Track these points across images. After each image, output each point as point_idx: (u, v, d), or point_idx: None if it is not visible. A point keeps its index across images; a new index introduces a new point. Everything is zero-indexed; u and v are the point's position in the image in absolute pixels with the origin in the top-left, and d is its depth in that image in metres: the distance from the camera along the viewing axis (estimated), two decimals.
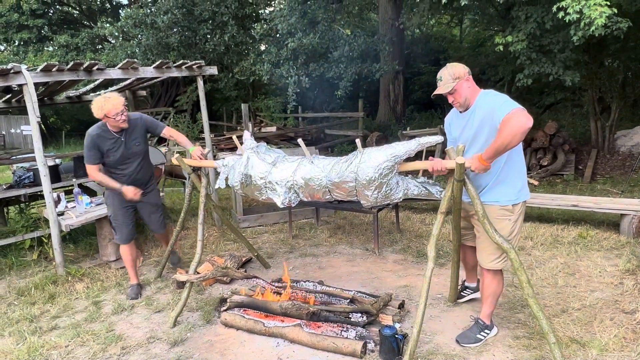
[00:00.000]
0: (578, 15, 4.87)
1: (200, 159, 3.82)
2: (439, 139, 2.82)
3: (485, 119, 2.65)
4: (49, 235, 4.69)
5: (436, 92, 2.80)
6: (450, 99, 2.80)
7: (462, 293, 3.57)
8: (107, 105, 3.60)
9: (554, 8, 5.16)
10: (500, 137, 2.45)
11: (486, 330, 3.02)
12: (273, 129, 12.90)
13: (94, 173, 3.77)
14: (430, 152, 8.62)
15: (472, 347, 2.95)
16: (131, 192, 3.83)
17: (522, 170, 2.81)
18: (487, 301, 3.01)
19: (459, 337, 3.02)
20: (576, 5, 4.80)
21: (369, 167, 2.88)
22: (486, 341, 2.99)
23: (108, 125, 3.73)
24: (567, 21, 5.08)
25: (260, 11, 13.77)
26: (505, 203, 2.76)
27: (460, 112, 2.87)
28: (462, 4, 6.09)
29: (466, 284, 3.59)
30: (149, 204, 4.11)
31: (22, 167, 5.83)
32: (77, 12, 21.04)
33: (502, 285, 3.00)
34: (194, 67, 5.49)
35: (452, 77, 2.70)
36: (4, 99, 6.53)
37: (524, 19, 6.46)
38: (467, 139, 2.82)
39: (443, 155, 8.30)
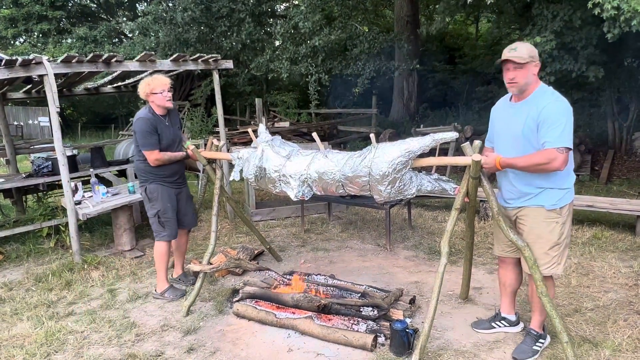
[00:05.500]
0: (616, 12, 4.73)
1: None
2: (454, 135, 2.81)
3: (530, 125, 2.54)
4: (66, 223, 4.79)
5: (508, 56, 2.54)
6: (510, 76, 2.58)
7: (493, 324, 3.10)
8: (154, 82, 3.64)
9: (590, 4, 5.01)
10: (528, 160, 2.50)
11: (541, 340, 2.83)
12: (286, 124, 12.95)
13: (159, 156, 3.64)
14: (444, 150, 8.57)
15: None
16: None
17: (570, 174, 2.70)
18: (539, 309, 2.80)
19: (515, 354, 2.79)
20: (614, 0, 4.66)
21: (383, 162, 2.89)
22: (542, 352, 2.81)
23: (153, 108, 3.71)
24: (604, 18, 4.93)
25: (276, 7, 13.80)
26: (550, 207, 2.63)
27: (512, 100, 2.74)
28: (488, 2, 6.00)
29: (503, 314, 3.10)
30: (185, 194, 4.01)
31: (40, 156, 5.96)
32: (95, 5, 21.30)
33: (553, 291, 2.82)
34: (210, 60, 5.54)
35: (529, 54, 2.53)
36: (24, 89, 6.66)
37: (550, 17, 6.35)
38: (508, 134, 2.70)
39: (457, 152, 8.25)
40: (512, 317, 3.09)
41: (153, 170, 3.71)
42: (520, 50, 2.54)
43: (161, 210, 3.76)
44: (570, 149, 2.46)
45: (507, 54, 2.57)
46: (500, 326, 3.09)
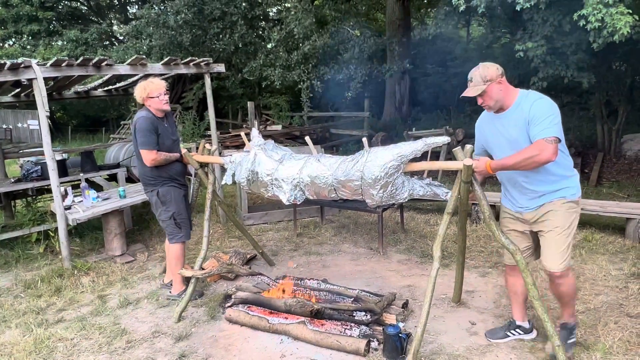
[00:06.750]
0: (600, 24, 4.83)
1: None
2: (445, 139, 2.82)
3: (523, 126, 2.55)
4: (56, 229, 4.74)
5: (465, 93, 2.68)
6: (479, 101, 2.68)
7: (508, 333, 3.05)
8: (150, 86, 3.63)
9: (575, 16, 5.11)
10: (518, 156, 2.48)
11: (574, 332, 2.85)
12: (279, 127, 12.93)
13: (155, 155, 3.60)
14: (436, 153, 8.61)
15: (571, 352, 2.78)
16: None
17: (572, 163, 2.73)
18: (569, 303, 2.81)
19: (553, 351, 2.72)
20: (598, 13, 4.76)
21: (376, 166, 2.90)
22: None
23: (152, 112, 3.69)
24: (588, 29, 5.03)
25: (268, 10, 13.79)
26: (571, 197, 2.66)
27: (494, 112, 2.74)
28: (480, 11, 6.05)
29: (518, 322, 3.05)
30: (187, 195, 4.03)
31: (29, 161, 5.89)
32: (85, 7, 21.16)
33: (574, 281, 2.82)
34: (202, 64, 5.51)
35: (483, 79, 2.59)
36: (12, 93, 6.58)
37: (540, 22, 6.42)
38: (501, 143, 2.70)
39: (449, 156, 8.30)
40: (526, 325, 3.04)
41: (162, 173, 3.71)
42: (475, 80, 2.62)
43: (176, 212, 3.79)
44: (559, 139, 2.46)
45: (466, 90, 2.67)
46: (515, 334, 3.03)
